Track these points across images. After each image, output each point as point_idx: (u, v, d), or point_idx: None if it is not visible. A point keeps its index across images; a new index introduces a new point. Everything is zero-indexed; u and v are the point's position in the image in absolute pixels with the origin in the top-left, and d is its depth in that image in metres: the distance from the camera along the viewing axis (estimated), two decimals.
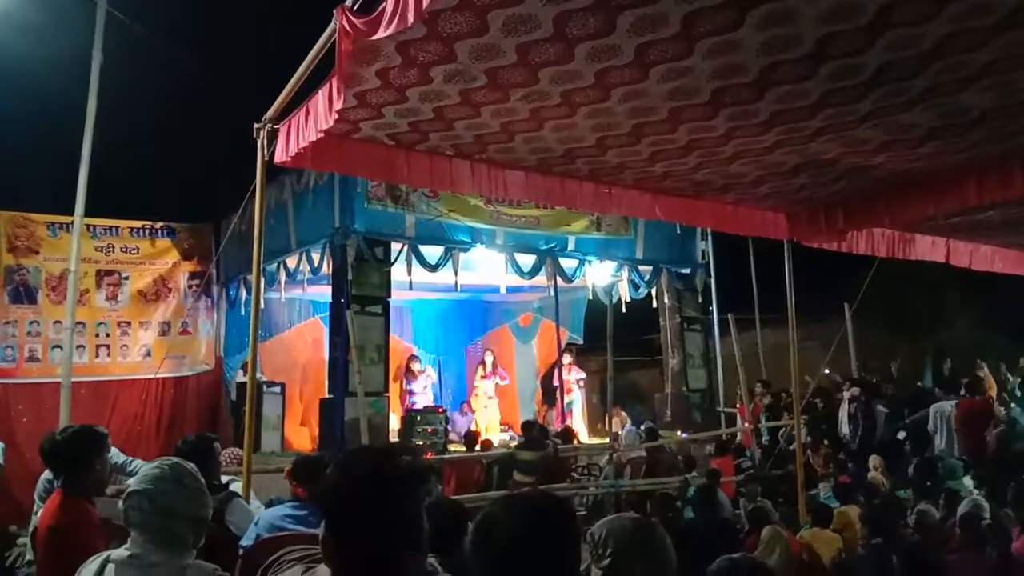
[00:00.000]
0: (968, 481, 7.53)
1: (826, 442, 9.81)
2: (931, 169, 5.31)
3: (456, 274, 10.22)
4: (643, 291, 12.20)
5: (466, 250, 10.23)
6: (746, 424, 11.64)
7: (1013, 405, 9.92)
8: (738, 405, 12.61)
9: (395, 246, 9.86)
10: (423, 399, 11.85)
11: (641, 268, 12.07)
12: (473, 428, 11.38)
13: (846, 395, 10.78)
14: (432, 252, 10.04)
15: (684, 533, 5.87)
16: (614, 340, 10.44)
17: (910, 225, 7.00)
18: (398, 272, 9.97)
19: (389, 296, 9.99)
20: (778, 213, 6.64)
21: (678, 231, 12.01)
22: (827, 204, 6.27)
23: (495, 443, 10.19)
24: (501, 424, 12.63)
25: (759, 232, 6.87)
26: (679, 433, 11.11)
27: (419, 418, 10.29)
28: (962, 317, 16.41)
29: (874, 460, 8.62)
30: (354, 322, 9.04)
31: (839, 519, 6.40)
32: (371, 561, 1.40)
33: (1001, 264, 8.48)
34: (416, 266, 9.86)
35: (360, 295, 9.56)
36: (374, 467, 1.49)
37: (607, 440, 10.45)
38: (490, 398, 12.72)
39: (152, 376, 11.37)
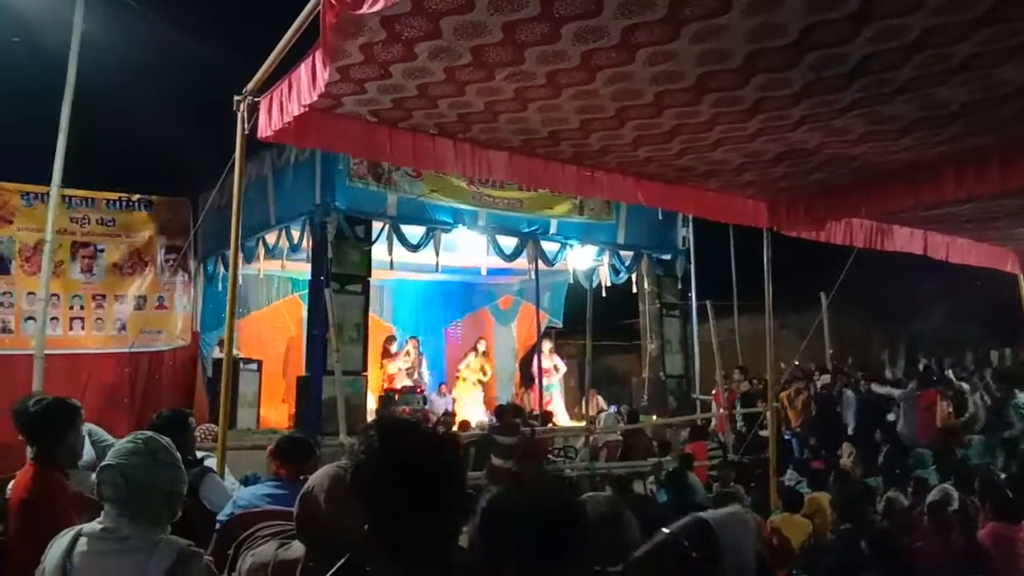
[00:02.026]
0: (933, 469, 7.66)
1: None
2: (910, 161, 5.35)
3: (437, 255, 10.20)
4: (624, 276, 12.26)
5: (448, 231, 10.20)
6: (721, 410, 11.77)
7: (977, 397, 10.06)
8: (714, 391, 12.75)
9: (376, 225, 9.81)
10: (403, 379, 11.83)
11: (622, 253, 12.12)
12: (451, 409, 11.41)
13: (819, 383, 10.96)
14: (414, 232, 10.00)
15: (654, 517, 5.93)
16: (594, 324, 10.50)
17: (888, 216, 7.06)
18: (379, 251, 9.93)
19: (369, 275, 9.95)
20: (759, 201, 6.67)
21: (660, 217, 12.06)
22: (807, 193, 6.30)
23: (473, 425, 10.23)
24: (487, 411, 12.59)
25: (740, 220, 6.91)
26: (654, 417, 11.21)
27: (397, 398, 10.29)
28: (936, 309, 16.65)
29: (846, 447, 8.77)
30: (333, 300, 9.00)
31: (810, 504, 6.52)
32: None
33: (976, 257, 8.60)
34: (397, 246, 9.82)
35: (340, 273, 9.51)
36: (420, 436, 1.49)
37: (584, 423, 10.53)
38: (477, 382, 12.69)
39: (127, 350, 11.25)
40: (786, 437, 10.72)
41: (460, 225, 10.29)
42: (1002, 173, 5.04)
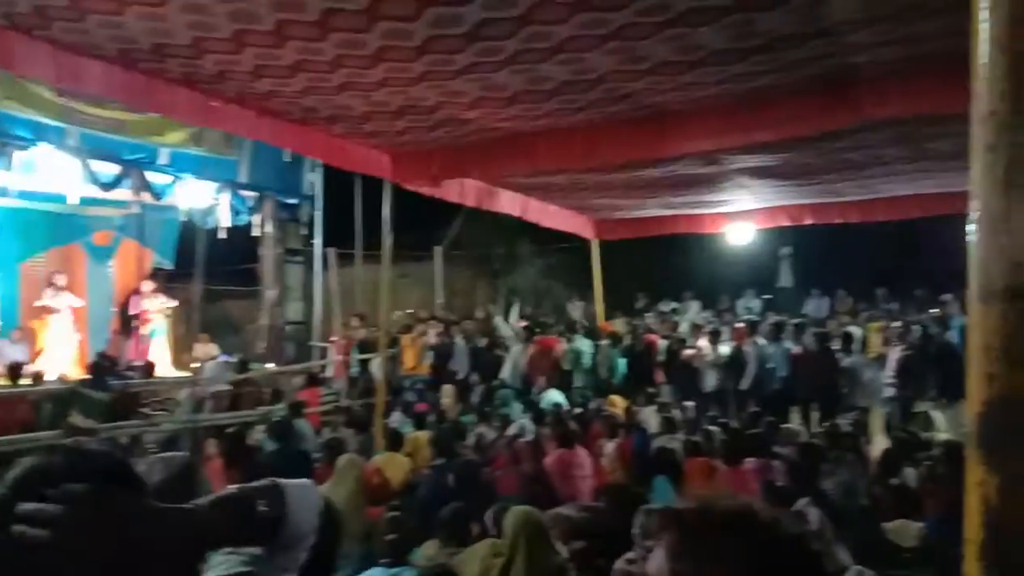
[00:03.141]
0: (518, 406, 8.75)
1: None
2: (513, 130, 5.90)
3: (11, 174, 8.49)
4: (244, 217, 11.59)
5: (25, 148, 8.53)
6: (338, 357, 11.92)
7: (574, 338, 11.60)
8: (334, 339, 12.85)
9: None
10: None
11: (244, 193, 11.42)
12: (28, 358, 9.71)
13: (431, 331, 11.70)
14: None
15: (259, 465, 5.80)
16: (210, 268, 9.78)
17: (495, 180, 7.74)
18: None
19: None
20: (383, 153, 6.78)
21: (287, 159, 11.61)
22: (427, 150, 6.58)
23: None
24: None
25: (364, 169, 6.97)
26: (269, 365, 10.92)
27: None
28: (531, 265, 18.90)
29: (447, 389, 9.52)
30: None
31: (410, 443, 6.95)
32: None
33: (564, 223, 9.93)
34: None
35: None
36: None
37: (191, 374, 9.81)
38: (66, 330, 10.82)
39: None
40: (408, 383, 11.26)
41: (43, 143, 8.67)
42: (584, 150, 5.81)
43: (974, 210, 0.93)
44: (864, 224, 9.75)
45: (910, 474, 5.38)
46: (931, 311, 11.24)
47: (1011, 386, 0.91)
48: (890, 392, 8.88)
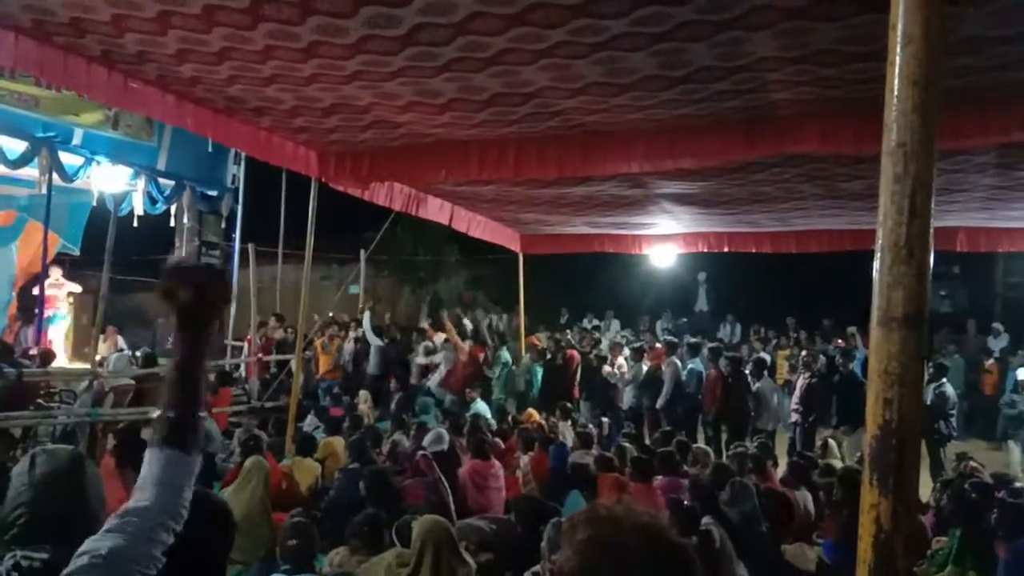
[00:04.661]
0: (435, 415, 8.67)
1: None
2: (445, 138, 5.87)
3: None
4: (161, 207, 11.09)
5: None
6: (251, 357, 11.57)
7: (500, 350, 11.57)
8: (247, 337, 12.47)
9: None
10: None
11: (162, 181, 10.93)
12: None
13: (352, 335, 11.51)
14: None
15: None
16: (120, 256, 9.33)
17: (424, 185, 7.69)
18: None
19: None
20: (310, 150, 6.65)
21: (209, 149, 11.20)
22: (356, 151, 6.49)
23: None
24: None
25: (290, 165, 6.80)
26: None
27: None
28: (457, 275, 18.86)
29: (363, 394, 9.36)
30: None
31: (324, 448, 6.79)
32: None
33: (491, 234, 9.95)
34: None
35: None
36: None
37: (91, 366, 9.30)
38: None
39: None
40: (323, 387, 11.02)
41: None
42: (514, 162, 5.84)
43: (879, 238, 0.96)
44: (777, 254, 10.14)
45: (806, 498, 5.59)
46: (837, 341, 11.76)
47: (906, 410, 0.94)
48: (794, 417, 9.22)
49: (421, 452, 5.72)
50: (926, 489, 6.10)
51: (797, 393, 9.30)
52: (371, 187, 7.19)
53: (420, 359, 11.28)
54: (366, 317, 11.59)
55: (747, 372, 9.52)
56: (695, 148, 5.43)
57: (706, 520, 4.20)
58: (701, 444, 8.21)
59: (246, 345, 12.35)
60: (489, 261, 15.06)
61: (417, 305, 17.60)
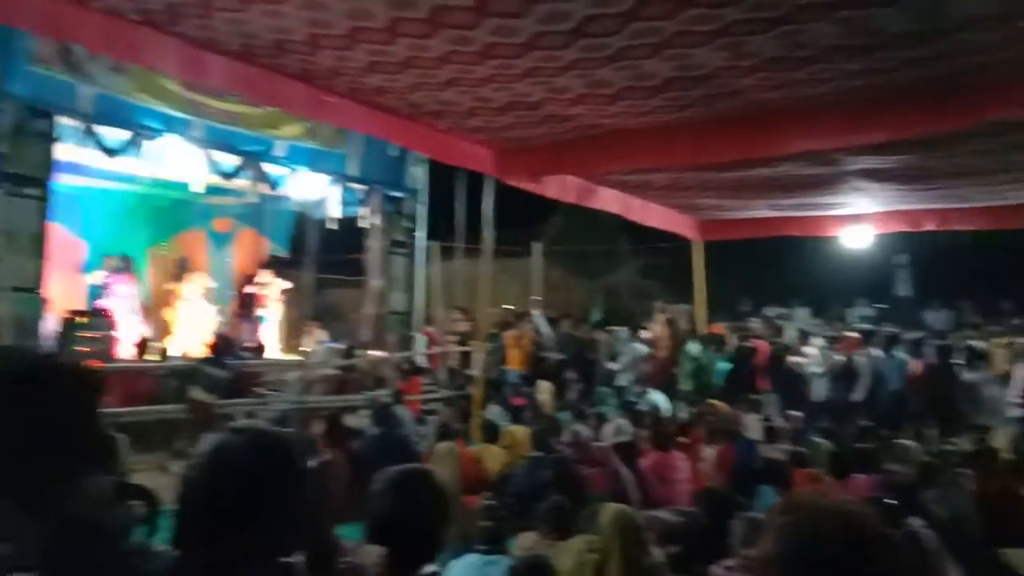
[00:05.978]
0: (614, 406, 8.66)
1: None
2: (617, 127, 5.83)
3: (141, 163, 9.08)
4: (353, 210, 11.99)
5: (154, 138, 9.10)
6: (434, 348, 12.16)
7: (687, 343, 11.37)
8: (430, 329, 13.10)
9: (65, 121, 8.42)
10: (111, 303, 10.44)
11: (353, 186, 11.81)
12: (149, 336, 10.41)
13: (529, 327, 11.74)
14: (112, 135, 8.78)
15: (362, 448, 6.01)
16: (320, 257, 10.17)
17: (595, 177, 7.68)
18: (68, 153, 8.60)
19: (50, 177, 8.52)
20: (486, 148, 6.84)
21: (395, 153, 11.91)
22: (530, 146, 6.60)
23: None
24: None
25: (467, 163, 7.06)
26: (371, 352, 11.26)
27: (80, 321, 9.11)
28: (630, 264, 18.66)
29: (544, 385, 9.54)
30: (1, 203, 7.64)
31: (507, 437, 6.99)
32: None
33: (665, 222, 9.75)
34: (92, 149, 8.56)
35: (15, 173, 8.06)
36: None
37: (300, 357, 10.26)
38: (199, 312, 11.56)
39: None
40: (512, 379, 11.35)
41: (170, 133, 9.23)
42: (689, 148, 5.68)
43: None
44: (988, 232, 9.07)
45: None
46: None
47: None
48: (1016, 412, 8.25)
49: (597, 444, 5.75)
50: None
51: (1017, 385, 8.32)
52: (544, 181, 7.28)
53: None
54: (538, 310, 11.77)
55: (958, 362, 8.64)
56: (886, 121, 5.00)
57: (913, 520, 3.88)
58: (904, 440, 7.57)
59: (426, 337, 12.97)
60: (662, 249, 14.75)
61: (590, 296, 17.63)
